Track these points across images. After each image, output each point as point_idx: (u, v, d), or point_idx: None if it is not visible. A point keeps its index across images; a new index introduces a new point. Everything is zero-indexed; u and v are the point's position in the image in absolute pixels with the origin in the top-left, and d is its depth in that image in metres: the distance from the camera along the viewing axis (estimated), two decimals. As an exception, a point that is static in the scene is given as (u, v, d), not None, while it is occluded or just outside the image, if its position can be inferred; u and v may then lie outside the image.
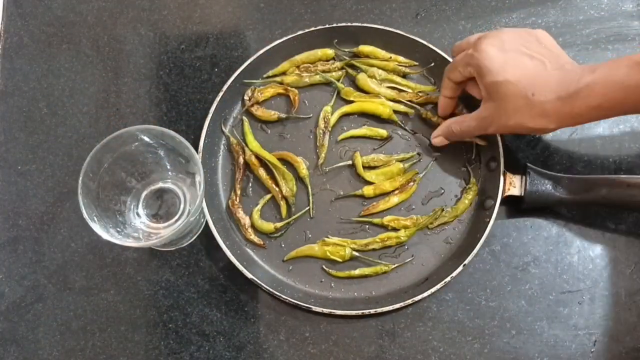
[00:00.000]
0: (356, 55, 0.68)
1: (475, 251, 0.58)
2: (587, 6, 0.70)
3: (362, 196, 0.63)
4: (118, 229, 0.55)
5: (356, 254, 0.61)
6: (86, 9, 0.71)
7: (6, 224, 0.63)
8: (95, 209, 0.53)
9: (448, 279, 0.58)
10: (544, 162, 0.64)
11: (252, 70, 0.66)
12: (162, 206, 0.60)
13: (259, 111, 0.66)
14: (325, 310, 0.58)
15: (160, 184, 0.59)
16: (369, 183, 0.63)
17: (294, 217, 0.62)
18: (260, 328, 0.60)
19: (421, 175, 0.64)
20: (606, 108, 0.49)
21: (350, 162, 0.64)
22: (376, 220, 0.62)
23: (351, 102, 0.66)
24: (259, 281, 0.58)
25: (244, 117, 0.66)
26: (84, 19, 0.71)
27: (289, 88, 0.66)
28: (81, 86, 0.68)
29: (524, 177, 0.59)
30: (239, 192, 0.63)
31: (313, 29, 0.66)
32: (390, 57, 0.67)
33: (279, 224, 0.62)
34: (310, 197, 0.63)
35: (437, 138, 0.62)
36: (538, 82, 0.51)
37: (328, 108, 0.65)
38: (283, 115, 0.65)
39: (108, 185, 0.56)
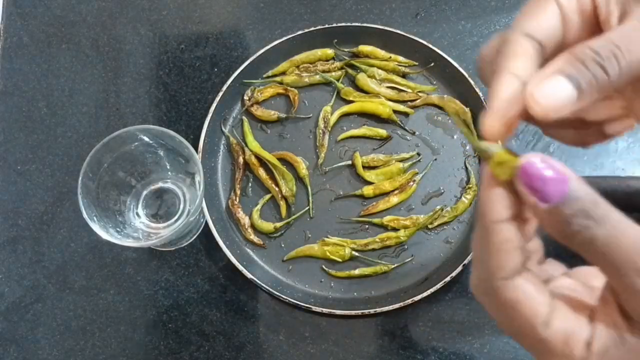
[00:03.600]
0: (356, 55, 0.68)
1: (475, 251, 0.58)
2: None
3: (361, 196, 0.63)
4: (118, 229, 0.55)
5: (356, 254, 0.61)
6: (86, 8, 0.71)
7: (6, 224, 0.63)
8: (94, 208, 0.53)
9: (448, 279, 0.58)
10: (543, 162, 0.64)
11: (252, 70, 0.66)
12: (162, 206, 0.60)
13: (258, 111, 0.66)
14: (325, 310, 0.58)
15: (160, 184, 0.59)
16: (369, 183, 0.63)
17: (293, 217, 0.62)
18: (260, 328, 0.60)
19: (421, 175, 0.64)
20: None
21: (350, 162, 0.64)
22: (376, 220, 0.62)
23: (351, 102, 0.66)
24: (258, 281, 0.58)
25: (244, 117, 0.66)
26: (84, 18, 0.71)
27: (288, 88, 0.66)
28: (81, 86, 0.68)
29: (523, 177, 0.59)
30: (238, 192, 0.63)
31: (313, 29, 0.66)
32: (390, 57, 0.67)
33: (278, 224, 0.62)
34: (310, 197, 0.63)
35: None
36: None
37: (328, 108, 0.65)
38: (283, 115, 0.65)
39: (108, 185, 0.56)
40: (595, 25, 0.27)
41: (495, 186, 0.25)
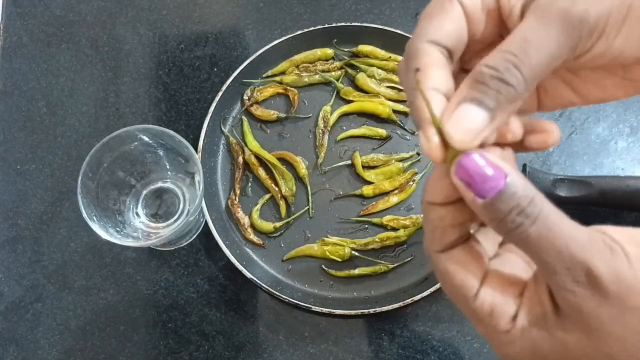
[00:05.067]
0: (356, 55, 0.68)
1: (474, 251, 0.58)
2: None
3: (361, 196, 0.63)
4: (117, 229, 0.55)
5: (356, 253, 0.61)
6: (86, 8, 0.71)
7: (6, 224, 0.63)
8: (94, 208, 0.53)
9: (448, 278, 0.58)
10: (543, 162, 0.64)
11: (252, 70, 0.66)
12: (162, 206, 0.60)
13: (258, 111, 0.66)
14: (325, 310, 0.58)
15: (160, 184, 0.59)
16: (369, 183, 0.63)
17: (293, 217, 0.62)
18: (260, 328, 0.60)
19: (421, 175, 0.63)
20: None
21: (349, 162, 0.64)
22: (376, 220, 0.62)
23: (351, 102, 0.66)
24: (258, 281, 0.58)
25: (244, 117, 0.66)
26: (84, 18, 0.71)
27: (288, 88, 0.66)
28: (81, 86, 0.68)
29: (523, 177, 0.59)
30: (238, 192, 0.63)
31: (313, 29, 0.66)
32: (390, 57, 0.67)
33: (278, 224, 0.62)
34: (310, 197, 0.63)
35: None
36: None
37: (328, 108, 0.65)
38: (283, 115, 0.65)
39: (108, 185, 0.56)
40: (503, 21, 0.27)
41: (442, 175, 0.25)
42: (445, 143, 0.24)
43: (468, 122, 0.24)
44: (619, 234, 0.25)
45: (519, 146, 0.28)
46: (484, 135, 0.24)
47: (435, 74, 0.25)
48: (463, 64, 0.29)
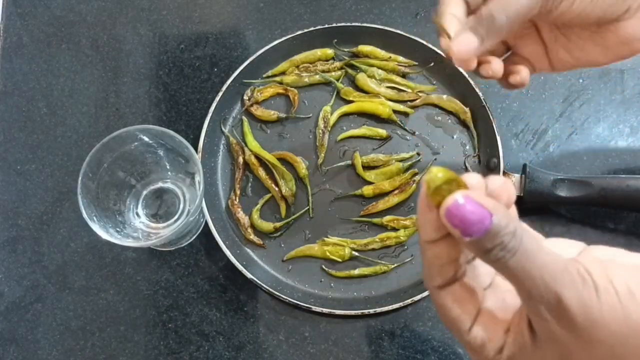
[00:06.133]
0: (355, 55, 0.68)
1: (474, 251, 0.58)
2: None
3: (361, 196, 0.63)
4: (117, 229, 0.55)
5: (356, 253, 0.61)
6: (85, 8, 0.71)
7: (5, 224, 0.63)
8: (94, 208, 0.53)
9: (448, 278, 0.58)
10: (543, 162, 0.64)
11: (252, 70, 0.66)
12: (162, 206, 0.60)
13: (258, 111, 0.66)
14: (325, 310, 0.58)
15: (160, 184, 0.59)
16: (369, 183, 0.63)
17: (293, 217, 0.62)
18: (260, 328, 0.60)
19: (421, 175, 0.63)
20: None
21: (349, 162, 0.64)
22: (376, 220, 0.62)
23: (351, 102, 0.66)
24: (258, 281, 0.58)
25: (244, 117, 0.66)
26: (84, 18, 0.71)
27: (288, 88, 0.66)
28: (80, 86, 0.68)
29: (523, 177, 0.59)
30: (238, 192, 0.63)
31: (312, 28, 0.66)
32: (390, 57, 0.67)
33: (278, 224, 0.62)
34: (310, 197, 0.63)
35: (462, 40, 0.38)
36: None
37: (327, 108, 0.65)
38: (282, 115, 0.65)
39: (107, 185, 0.56)
40: None
41: (428, 209, 0.27)
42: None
43: (465, 42, 0.37)
44: (594, 265, 0.26)
45: (506, 84, 0.44)
46: (474, 52, 0.37)
47: (453, 6, 0.40)
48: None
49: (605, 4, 0.36)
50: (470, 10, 0.40)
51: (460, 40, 0.37)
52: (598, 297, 0.25)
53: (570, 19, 0.38)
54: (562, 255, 0.26)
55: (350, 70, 0.67)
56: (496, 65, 0.42)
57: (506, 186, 0.29)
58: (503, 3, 0.36)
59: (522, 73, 0.44)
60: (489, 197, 0.26)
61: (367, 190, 0.62)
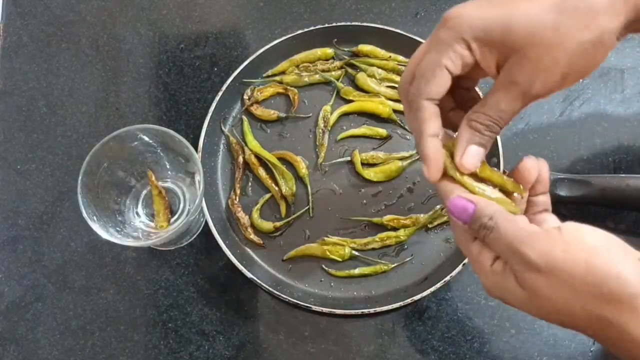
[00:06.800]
0: (356, 55, 0.68)
1: (474, 250, 0.58)
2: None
3: (365, 197, 0.63)
4: (117, 229, 0.55)
5: (356, 253, 0.61)
6: (85, 8, 0.71)
7: (5, 224, 0.63)
8: (94, 208, 0.53)
9: (447, 278, 0.58)
10: (543, 162, 0.64)
11: (252, 70, 0.66)
12: (162, 205, 0.60)
13: (258, 110, 0.66)
14: (325, 310, 0.58)
15: (160, 184, 0.59)
16: (368, 181, 0.63)
17: (293, 216, 0.62)
18: (260, 327, 0.60)
19: (420, 174, 0.63)
20: None
21: (349, 157, 0.64)
22: (376, 219, 0.62)
23: (351, 101, 0.66)
24: (258, 280, 0.58)
25: (244, 117, 0.66)
26: (83, 18, 0.71)
27: (288, 87, 0.66)
28: (80, 85, 0.68)
29: (523, 177, 0.59)
30: (238, 191, 0.63)
31: (312, 28, 0.66)
32: (390, 57, 0.67)
33: (278, 224, 0.62)
34: (310, 197, 0.63)
35: (468, 155, 0.40)
36: None
37: (327, 107, 0.65)
38: (282, 115, 0.65)
39: (107, 184, 0.56)
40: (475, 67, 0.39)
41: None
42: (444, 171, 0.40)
43: (473, 155, 0.39)
44: (567, 227, 0.36)
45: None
46: (480, 161, 0.39)
47: (432, 124, 0.39)
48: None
49: (596, 66, 0.37)
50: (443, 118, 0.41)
51: (468, 156, 0.39)
52: (562, 240, 0.35)
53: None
54: (537, 227, 0.37)
55: (350, 70, 0.67)
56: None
57: (532, 167, 0.41)
58: (501, 115, 0.39)
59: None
60: (476, 195, 0.39)
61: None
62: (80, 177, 0.52)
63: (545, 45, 0.36)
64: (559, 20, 0.35)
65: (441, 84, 0.38)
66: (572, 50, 0.36)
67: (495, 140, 0.61)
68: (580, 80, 0.37)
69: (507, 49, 0.36)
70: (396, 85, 0.66)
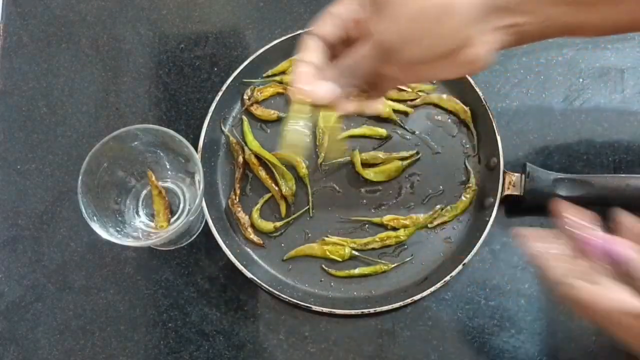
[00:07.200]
0: (356, 55, 0.68)
1: (474, 250, 0.58)
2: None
3: (364, 197, 0.63)
4: (117, 229, 0.55)
5: (356, 253, 0.61)
6: (85, 8, 0.71)
7: (5, 224, 0.63)
8: (94, 208, 0.53)
9: (448, 278, 0.58)
10: (543, 162, 0.64)
11: (252, 70, 0.66)
12: (162, 205, 0.60)
13: (258, 110, 0.66)
14: (325, 310, 0.58)
15: (160, 184, 0.59)
16: (368, 181, 0.63)
17: (293, 216, 0.62)
18: (260, 327, 0.60)
19: (420, 174, 0.64)
20: None
21: (348, 157, 0.64)
22: (376, 219, 0.62)
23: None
24: (258, 280, 0.58)
25: (244, 117, 0.66)
26: (83, 18, 0.71)
27: (288, 87, 0.66)
28: (80, 85, 0.68)
29: (523, 176, 0.59)
30: (238, 191, 0.63)
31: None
32: (390, 57, 0.67)
33: (278, 224, 0.62)
34: (310, 197, 0.63)
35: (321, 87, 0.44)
36: None
37: (327, 107, 0.65)
38: (283, 115, 0.65)
39: (107, 184, 0.56)
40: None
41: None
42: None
43: (323, 90, 0.42)
44: None
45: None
46: (330, 98, 0.43)
47: (308, 53, 0.44)
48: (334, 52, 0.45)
49: (444, 45, 0.39)
50: (332, 55, 0.44)
51: (320, 88, 0.43)
52: None
53: (417, 62, 0.41)
54: None
55: (350, 70, 0.67)
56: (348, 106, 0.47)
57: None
58: (353, 64, 0.42)
59: (375, 105, 0.49)
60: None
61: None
62: (80, 177, 0.52)
63: (397, 2, 0.38)
64: None
65: (331, 27, 0.43)
66: (419, 7, 0.37)
67: (495, 140, 0.61)
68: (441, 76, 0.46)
69: (381, 3, 0.39)
70: (396, 86, 0.66)
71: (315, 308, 0.58)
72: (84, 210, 0.51)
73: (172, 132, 0.54)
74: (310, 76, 0.43)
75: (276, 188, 0.63)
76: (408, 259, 0.61)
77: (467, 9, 0.37)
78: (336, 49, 0.44)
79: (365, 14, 0.41)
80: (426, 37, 0.38)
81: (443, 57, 0.39)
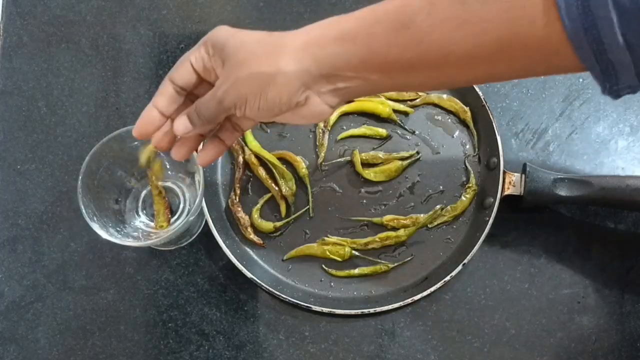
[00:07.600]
0: (356, 55, 0.68)
1: (474, 250, 0.58)
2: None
3: (363, 196, 0.63)
4: (117, 229, 0.55)
5: (356, 253, 0.61)
6: (85, 8, 0.71)
7: (5, 224, 0.63)
8: (94, 208, 0.53)
9: (448, 278, 0.58)
10: (543, 162, 0.64)
11: (252, 70, 0.66)
12: (162, 205, 0.60)
13: (258, 110, 0.66)
14: (325, 310, 0.58)
15: (160, 184, 0.59)
16: (368, 181, 0.63)
17: (293, 216, 0.62)
18: (260, 327, 0.60)
19: (420, 174, 0.64)
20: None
21: (349, 157, 0.64)
22: (376, 219, 0.62)
23: (350, 101, 0.66)
24: (258, 280, 0.58)
25: (244, 117, 0.66)
26: (83, 18, 0.71)
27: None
28: (80, 85, 0.68)
29: (523, 176, 0.59)
30: (238, 191, 0.63)
31: (312, 28, 0.66)
32: (390, 57, 0.67)
33: (278, 223, 0.62)
34: (310, 197, 0.63)
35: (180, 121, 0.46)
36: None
37: (327, 107, 0.65)
38: (282, 115, 0.65)
39: (107, 184, 0.56)
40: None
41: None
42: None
43: (182, 123, 0.44)
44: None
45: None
46: (189, 132, 0.45)
47: (160, 98, 0.45)
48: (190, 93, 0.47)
49: (276, 107, 0.42)
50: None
51: (178, 122, 0.45)
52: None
53: (256, 118, 0.45)
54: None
55: (350, 70, 0.67)
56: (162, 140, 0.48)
57: None
58: (203, 105, 0.44)
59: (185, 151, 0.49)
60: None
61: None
62: (80, 177, 0.52)
63: (236, 61, 0.41)
64: (254, 47, 0.41)
65: (183, 73, 0.45)
66: (247, 73, 0.41)
67: (495, 140, 0.61)
68: (269, 118, 0.44)
69: (223, 58, 0.42)
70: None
71: (315, 308, 0.58)
72: (84, 210, 0.51)
73: (172, 132, 0.53)
74: (153, 118, 0.46)
75: (276, 188, 0.63)
76: (408, 259, 0.61)
77: (288, 79, 0.40)
78: (199, 88, 0.46)
79: (212, 63, 0.44)
80: (257, 99, 0.41)
81: (281, 113, 0.43)
